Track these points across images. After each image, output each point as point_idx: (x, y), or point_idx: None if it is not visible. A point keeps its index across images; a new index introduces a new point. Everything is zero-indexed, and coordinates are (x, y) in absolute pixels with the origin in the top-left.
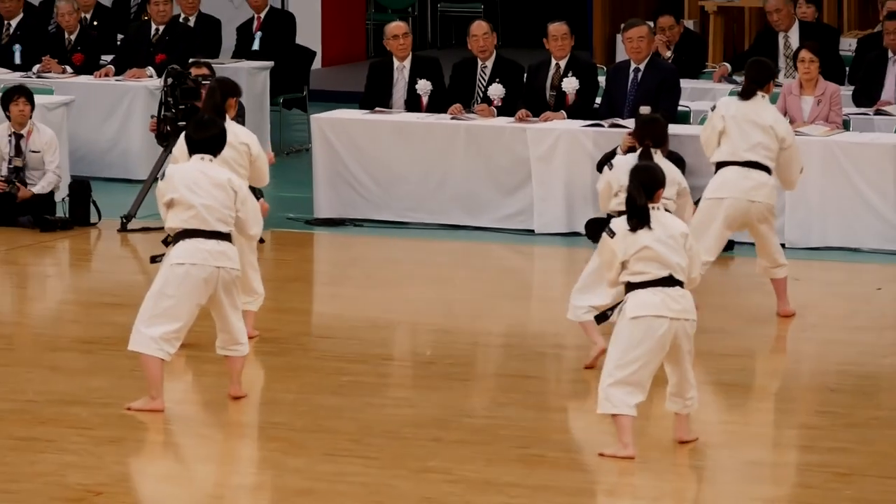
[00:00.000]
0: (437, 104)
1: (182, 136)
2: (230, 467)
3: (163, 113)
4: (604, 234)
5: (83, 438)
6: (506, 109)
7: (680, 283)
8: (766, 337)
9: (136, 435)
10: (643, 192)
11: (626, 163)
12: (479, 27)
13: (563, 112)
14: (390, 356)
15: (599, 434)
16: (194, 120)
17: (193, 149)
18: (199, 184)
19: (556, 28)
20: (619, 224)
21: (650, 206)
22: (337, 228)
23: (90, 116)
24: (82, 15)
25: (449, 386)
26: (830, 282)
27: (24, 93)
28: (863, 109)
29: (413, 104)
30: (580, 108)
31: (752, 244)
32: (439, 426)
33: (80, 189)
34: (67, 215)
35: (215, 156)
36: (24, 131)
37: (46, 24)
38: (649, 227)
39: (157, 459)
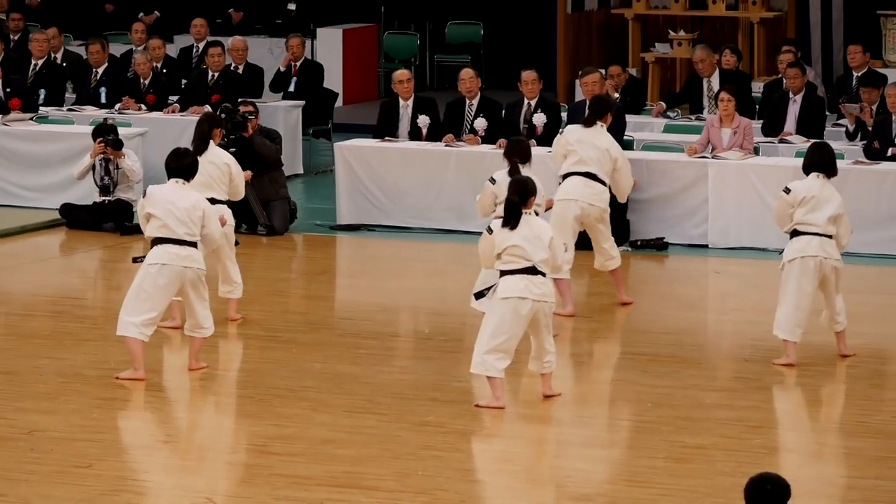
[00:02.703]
0: (434, 135)
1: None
2: (270, 421)
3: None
4: (484, 232)
5: (154, 398)
6: (488, 139)
7: (542, 273)
8: (694, 318)
9: (197, 396)
10: (518, 198)
11: (504, 178)
12: (467, 73)
13: (534, 140)
14: (396, 333)
15: (560, 394)
16: (173, 151)
17: (171, 174)
18: (172, 202)
19: (528, 75)
20: (496, 224)
21: (524, 211)
22: (354, 232)
23: (160, 144)
24: (154, 64)
25: (443, 357)
26: (744, 275)
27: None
28: (769, 139)
29: (415, 135)
30: (546, 138)
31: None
32: (435, 389)
33: None
34: None
35: (188, 180)
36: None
37: (126, 72)
38: (519, 228)
39: (213, 415)
